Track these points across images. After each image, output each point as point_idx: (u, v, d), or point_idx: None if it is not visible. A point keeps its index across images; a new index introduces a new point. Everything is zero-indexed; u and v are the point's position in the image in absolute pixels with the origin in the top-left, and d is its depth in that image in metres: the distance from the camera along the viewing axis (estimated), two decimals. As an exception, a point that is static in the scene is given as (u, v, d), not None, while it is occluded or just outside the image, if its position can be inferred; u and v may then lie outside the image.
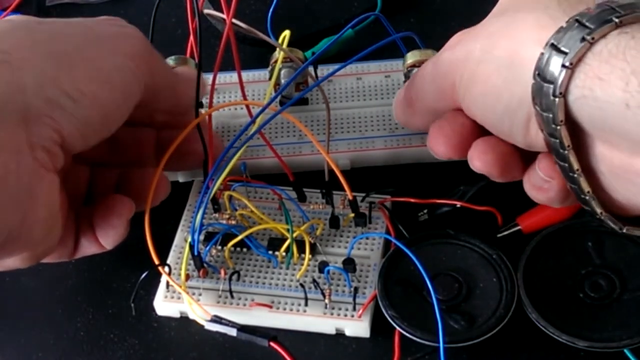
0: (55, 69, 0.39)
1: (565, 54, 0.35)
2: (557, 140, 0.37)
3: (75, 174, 0.45)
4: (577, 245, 0.48)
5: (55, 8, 0.65)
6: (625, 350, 0.44)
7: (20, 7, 0.63)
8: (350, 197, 0.48)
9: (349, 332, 0.47)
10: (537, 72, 0.37)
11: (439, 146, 0.44)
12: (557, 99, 0.36)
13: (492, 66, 0.39)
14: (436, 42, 0.48)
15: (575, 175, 0.38)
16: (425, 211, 0.50)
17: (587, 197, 0.39)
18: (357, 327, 0.46)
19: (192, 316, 0.47)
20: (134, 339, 0.48)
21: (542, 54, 0.36)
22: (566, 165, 0.38)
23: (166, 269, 0.48)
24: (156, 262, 0.47)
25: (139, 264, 0.49)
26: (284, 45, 0.54)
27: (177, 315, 0.48)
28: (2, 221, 0.38)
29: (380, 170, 0.54)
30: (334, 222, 0.50)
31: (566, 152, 0.37)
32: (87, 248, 0.45)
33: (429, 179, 0.52)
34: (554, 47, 0.36)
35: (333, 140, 0.53)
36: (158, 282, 0.48)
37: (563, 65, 0.35)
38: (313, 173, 0.52)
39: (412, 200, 0.50)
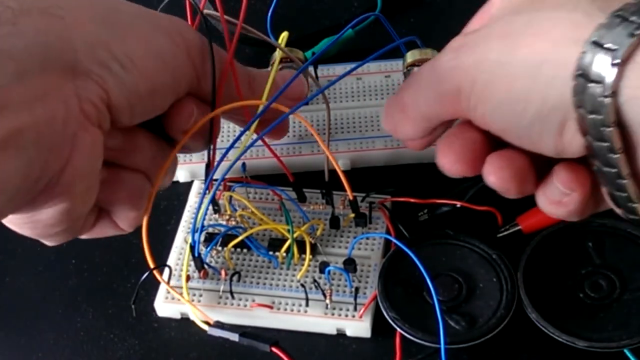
0: (107, 35, 0.39)
1: (612, 51, 0.33)
2: (606, 144, 0.35)
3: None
4: (577, 245, 0.48)
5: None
6: (625, 350, 0.44)
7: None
8: (350, 197, 0.48)
9: (350, 333, 0.47)
10: (579, 72, 0.34)
11: (451, 165, 0.40)
12: (606, 100, 0.34)
13: (517, 70, 0.36)
14: (436, 42, 0.48)
15: (625, 182, 0.35)
16: (425, 211, 0.50)
17: (634, 205, 0.36)
18: (358, 327, 0.46)
19: (193, 318, 0.47)
20: (134, 340, 0.48)
21: (583, 52, 0.34)
22: (613, 171, 0.35)
23: (167, 270, 0.48)
24: (152, 265, 0.46)
25: (139, 264, 0.49)
26: (283, 46, 0.54)
27: (178, 316, 0.48)
28: (45, 165, 0.38)
29: (380, 170, 0.54)
30: (334, 222, 0.50)
31: (617, 155, 0.35)
32: (106, 229, 0.44)
33: (429, 179, 0.52)
34: (597, 45, 0.34)
35: (333, 140, 0.53)
36: (158, 282, 0.48)
37: (612, 64, 0.33)
38: (313, 173, 0.52)
39: (412, 200, 0.50)
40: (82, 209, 0.41)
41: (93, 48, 0.39)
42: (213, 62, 0.45)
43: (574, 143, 0.36)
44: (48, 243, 0.43)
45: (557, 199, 0.39)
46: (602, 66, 0.33)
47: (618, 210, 0.37)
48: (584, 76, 0.34)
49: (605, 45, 0.34)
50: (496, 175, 0.39)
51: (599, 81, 0.34)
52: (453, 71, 0.39)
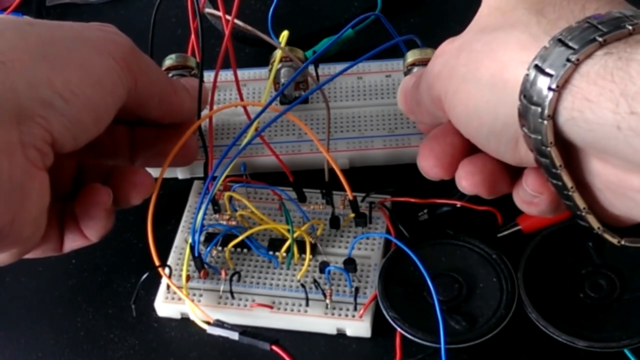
0: (47, 70, 0.39)
1: (551, 75, 0.34)
2: (548, 160, 0.37)
3: (59, 167, 0.45)
4: (577, 245, 0.48)
5: (55, 8, 0.65)
6: (625, 350, 0.44)
7: (20, 7, 0.63)
8: (350, 197, 0.48)
9: (350, 333, 0.47)
10: (522, 95, 0.36)
11: (431, 168, 0.43)
12: (545, 122, 0.35)
13: (475, 86, 0.38)
14: (436, 42, 0.48)
15: (570, 193, 0.37)
16: (425, 211, 0.50)
17: (583, 214, 0.38)
18: (358, 327, 0.46)
19: (192, 317, 0.47)
20: (134, 339, 0.48)
21: (527, 75, 0.35)
22: (559, 183, 0.37)
23: (167, 270, 0.48)
24: (157, 263, 0.47)
25: (139, 264, 0.50)
26: (283, 45, 0.54)
27: (178, 316, 0.48)
28: None
29: (380, 170, 0.54)
30: (334, 222, 0.50)
31: (558, 171, 0.37)
32: (73, 241, 0.45)
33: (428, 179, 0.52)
34: (538, 69, 0.35)
35: (332, 140, 0.53)
36: (158, 282, 0.48)
37: (550, 88, 0.34)
38: (313, 173, 0.52)
39: (412, 200, 0.50)
40: (33, 243, 0.42)
41: (35, 87, 0.39)
42: (201, 73, 0.45)
43: (529, 156, 0.38)
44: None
45: (528, 199, 0.41)
46: (541, 89, 0.35)
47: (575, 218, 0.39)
48: (526, 98, 0.35)
49: (546, 70, 0.35)
50: (467, 180, 0.41)
51: (539, 104, 0.35)
52: (436, 78, 0.42)
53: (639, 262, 0.47)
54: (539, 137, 0.36)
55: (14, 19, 0.42)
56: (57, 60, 0.40)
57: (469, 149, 0.42)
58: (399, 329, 0.45)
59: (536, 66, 0.35)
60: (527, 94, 0.35)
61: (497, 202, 0.49)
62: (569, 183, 0.37)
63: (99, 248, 0.51)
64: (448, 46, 0.42)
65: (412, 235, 0.49)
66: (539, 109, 0.35)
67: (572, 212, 0.39)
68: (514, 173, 0.42)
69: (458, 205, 0.49)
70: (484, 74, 0.38)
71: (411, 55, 0.52)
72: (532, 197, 0.40)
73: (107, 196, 0.44)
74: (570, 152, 0.37)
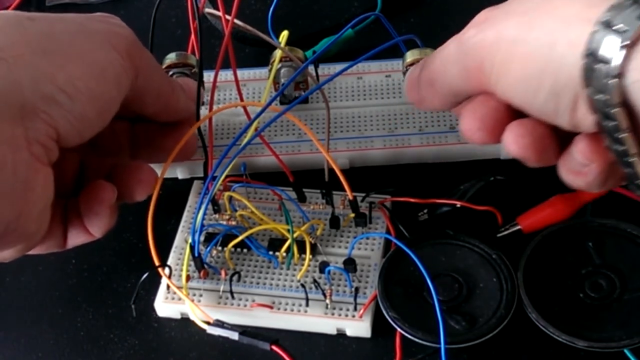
0: (49, 65, 0.39)
1: (621, 33, 0.33)
2: (613, 123, 0.35)
3: (63, 163, 0.45)
4: (577, 245, 0.48)
5: (55, 8, 0.65)
6: (625, 350, 0.44)
7: (20, 7, 0.63)
8: (350, 197, 0.48)
9: (350, 333, 0.47)
10: (588, 52, 0.34)
11: (475, 132, 0.40)
12: (612, 81, 0.34)
13: (531, 47, 0.37)
14: (436, 42, 0.48)
15: (632, 160, 0.35)
16: (425, 211, 0.50)
17: None
18: (358, 327, 0.46)
19: (192, 317, 0.47)
20: (134, 339, 0.48)
21: (594, 32, 0.34)
22: (622, 148, 0.35)
23: (167, 270, 0.48)
24: (157, 263, 0.47)
25: (139, 264, 0.50)
26: (283, 45, 0.54)
27: (178, 316, 0.48)
28: (0, 214, 0.38)
29: (380, 170, 0.54)
30: (334, 222, 0.50)
31: (623, 135, 0.35)
32: (77, 237, 0.45)
33: (429, 179, 0.52)
34: (607, 26, 0.34)
35: (332, 140, 0.53)
36: (158, 282, 0.48)
37: (620, 46, 0.33)
38: (313, 173, 0.52)
39: (412, 200, 0.50)
40: (37, 239, 0.42)
41: (38, 83, 0.39)
42: (201, 73, 0.45)
43: (587, 119, 0.36)
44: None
45: (577, 169, 0.39)
46: (611, 47, 0.34)
47: (630, 187, 0.37)
48: (592, 56, 0.34)
49: (615, 27, 0.34)
50: (516, 142, 0.39)
51: (607, 62, 0.34)
52: (476, 46, 0.39)
53: (639, 262, 0.47)
54: (605, 98, 0.34)
55: (14, 14, 0.42)
56: (59, 55, 0.40)
57: (512, 114, 0.40)
58: (399, 329, 0.45)
59: (604, 23, 0.34)
60: (593, 52, 0.34)
61: (497, 202, 0.49)
62: (633, 148, 0.35)
63: (99, 248, 0.51)
64: (490, 13, 0.40)
65: (412, 235, 0.49)
66: (606, 68, 0.34)
67: (629, 182, 0.37)
68: (562, 142, 0.40)
69: (458, 205, 0.49)
70: (541, 33, 0.37)
71: (411, 55, 0.52)
72: (581, 167, 0.39)
73: (111, 193, 0.44)
74: (632, 118, 0.35)
